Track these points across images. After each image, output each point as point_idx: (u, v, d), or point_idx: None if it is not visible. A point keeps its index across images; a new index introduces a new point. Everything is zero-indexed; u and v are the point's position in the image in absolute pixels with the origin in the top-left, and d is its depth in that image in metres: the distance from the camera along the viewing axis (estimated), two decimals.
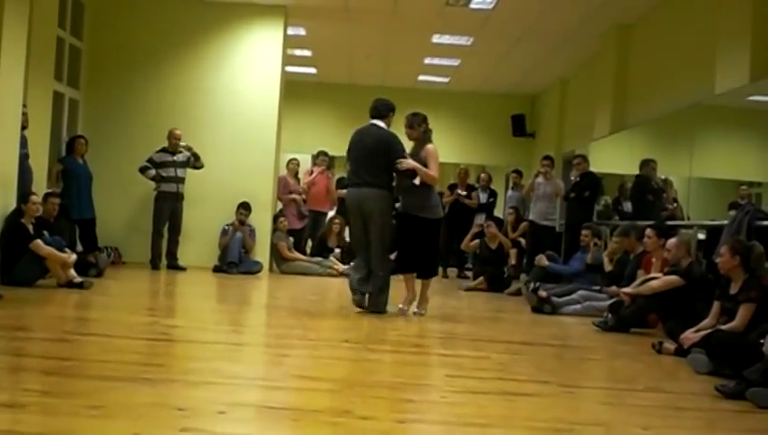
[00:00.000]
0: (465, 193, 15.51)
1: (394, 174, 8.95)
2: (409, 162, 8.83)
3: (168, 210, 13.13)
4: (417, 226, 8.97)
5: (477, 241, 13.75)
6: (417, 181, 8.88)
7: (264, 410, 4.45)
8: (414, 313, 9.05)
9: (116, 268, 12.55)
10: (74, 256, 9.82)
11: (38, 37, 10.94)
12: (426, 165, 8.91)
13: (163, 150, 13.15)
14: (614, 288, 9.66)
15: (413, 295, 9.18)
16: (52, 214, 10.52)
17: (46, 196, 10.63)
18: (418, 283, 9.20)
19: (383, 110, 9.26)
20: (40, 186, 10.99)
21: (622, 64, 14.40)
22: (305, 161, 17.13)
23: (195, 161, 13.25)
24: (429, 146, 9.06)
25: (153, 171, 13.05)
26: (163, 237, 13.22)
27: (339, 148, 19.36)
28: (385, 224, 8.99)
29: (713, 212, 11.38)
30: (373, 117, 9.27)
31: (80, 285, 9.45)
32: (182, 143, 13.23)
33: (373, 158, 8.88)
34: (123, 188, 13.57)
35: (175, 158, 13.15)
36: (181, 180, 13.18)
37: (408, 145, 9.28)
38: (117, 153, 13.52)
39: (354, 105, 20.47)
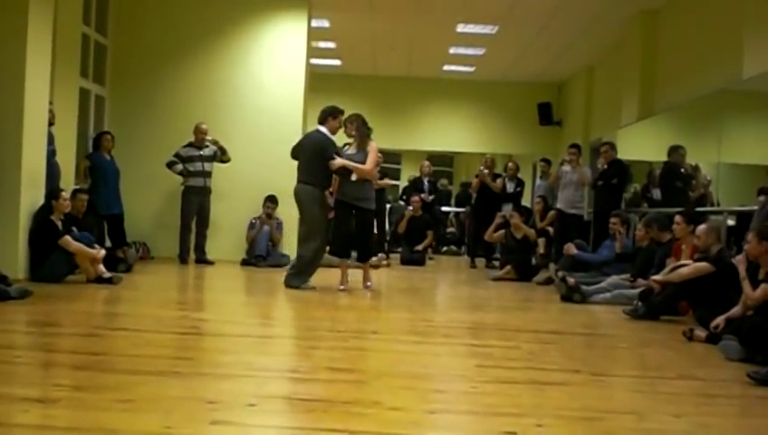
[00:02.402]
0: (487, 171, 15.46)
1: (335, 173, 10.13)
2: (340, 161, 9.97)
3: (195, 204, 13.18)
4: (354, 214, 10.13)
5: (502, 232, 13.69)
6: (353, 177, 9.98)
7: (294, 402, 4.47)
8: (366, 286, 10.23)
9: (144, 263, 12.62)
10: (103, 252, 9.88)
11: (63, 34, 11.02)
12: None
13: (189, 145, 13.20)
14: (641, 281, 9.63)
15: (346, 279, 10.23)
16: (81, 210, 10.59)
17: (74, 192, 10.70)
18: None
19: (322, 116, 10.36)
20: (68, 182, 11.08)
21: (648, 50, 14.32)
22: None
23: (221, 155, 13.29)
24: (372, 143, 10.16)
25: (180, 166, 13.10)
26: (191, 232, 13.28)
27: None
28: (311, 213, 10.21)
29: (742, 198, 11.29)
30: (318, 123, 10.41)
31: (109, 281, 9.51)
32: (208, 137, 13.27)
33: (310, 161, 10.16)
34: (150, 183, 13.63)
35: (201, 152, 13.19)
36: (208, 174, 13.23)
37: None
38: (144, 148, 13.57)
39: (379, 96, 20.66)
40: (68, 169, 11.34)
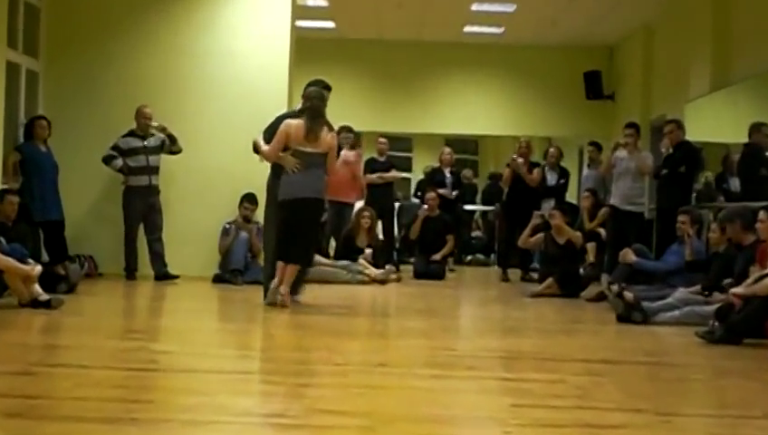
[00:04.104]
0: (521, 159, 15.48)
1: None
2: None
3: (140, 208, 13.16)
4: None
5: (541, 235, 13.68)
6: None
7: None
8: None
9: (91, 281, 12.62)
10: (39, 268, 9.84)
11: None
12: None
13: (131, 134, 13.16)
14: (717, 295, 9.62)
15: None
16: (10, 216, 10.61)
17: (1, 193, 10.71)
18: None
19: None
20: None
21: (723, 3, 14.29)
22: None
23: (171, 145, 13.26)
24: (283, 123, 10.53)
25: (120, 161, 13.04)
26: (136, 241, 13.25)
27: (367, 121, 19.39)
28: None
29: None
30: None
31: (47, 304, 9.49)
32: (154, 123, 13.23)
33: None
34: (97, 182, 13.63)
35: (145, 143, 13.17)
36: (155, 170, 13.23)
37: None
38: (88, 137, 13.54)
39: (384, 67, 20.67)
40: None
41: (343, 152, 15.14)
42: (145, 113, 13.21)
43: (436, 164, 18.04)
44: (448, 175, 17.24)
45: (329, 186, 10.38)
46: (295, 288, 10.56)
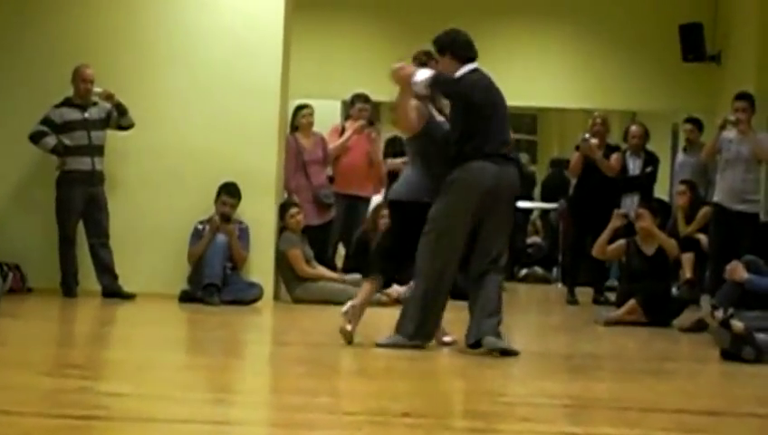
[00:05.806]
0: (595, 140, 15.43)
1: None
2: None
3: (79, 201, 13.23)
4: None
5: (622, 242, 13.64)
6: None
7: None
8: None
9: (18, 298, 12.68)
10: None
11: None
12: None
13: (66, 103, 13.21)
14: None
15: None
16: None
17: None
18: None
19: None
20: None
21: None
22: (331, 112, 17.10)
23: (119, 117, 13.28)
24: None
25: (53, 139, 13.07)
26: (75, 245, 13.26)
27: (386, 88, 19.34)
28: None
29: None
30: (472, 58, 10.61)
31: None
32: (97, 89, 13.22)
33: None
34: (27, 166, 13.69)
35: (86, 115, 13.22)
36: (98, 151, 13.31)
37: None
38: (14, 108, 13.64)
39: (408, 15, 20.61)
40: None
41: (349, 124, 15.07)
42: (85, 75, 13.23)
43: None
44: None
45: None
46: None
